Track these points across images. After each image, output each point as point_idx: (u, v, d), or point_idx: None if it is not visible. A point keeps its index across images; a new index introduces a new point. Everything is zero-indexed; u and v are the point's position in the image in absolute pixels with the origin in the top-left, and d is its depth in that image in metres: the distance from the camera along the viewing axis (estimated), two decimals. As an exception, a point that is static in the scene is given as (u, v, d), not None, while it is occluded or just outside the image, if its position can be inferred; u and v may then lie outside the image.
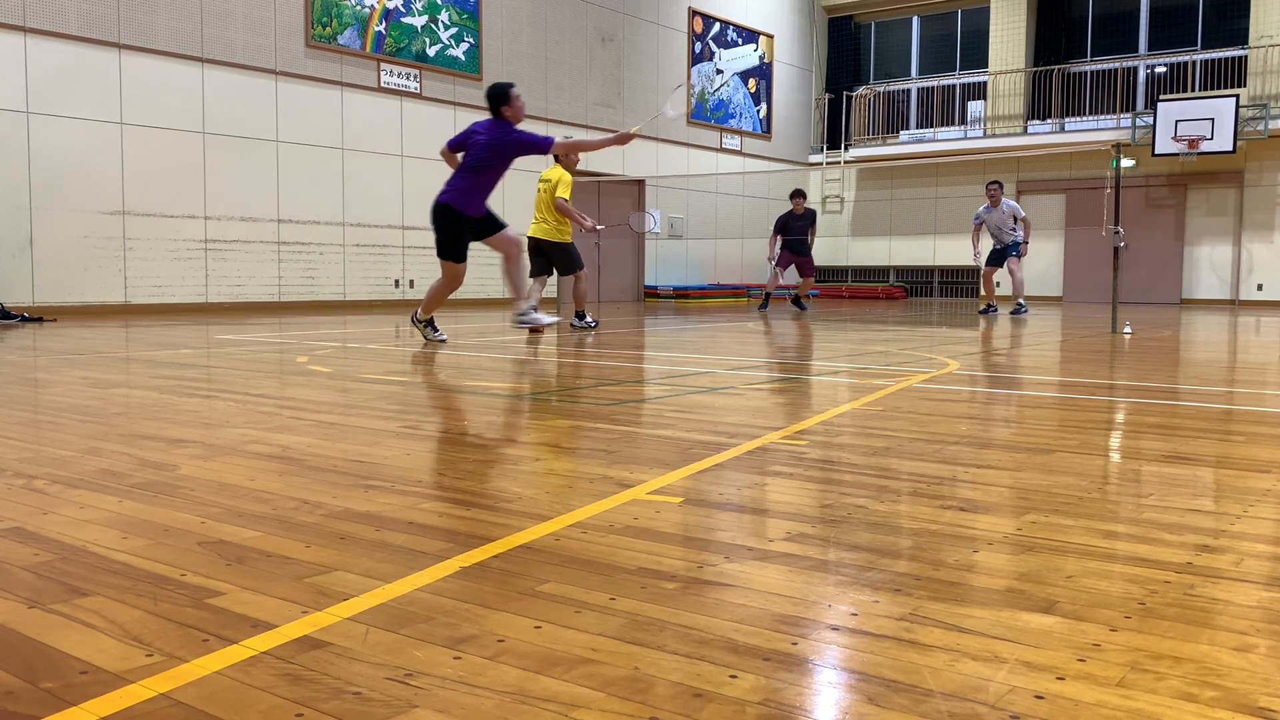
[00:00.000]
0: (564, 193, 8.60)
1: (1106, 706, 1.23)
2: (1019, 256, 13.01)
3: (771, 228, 13.96)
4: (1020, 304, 13.25)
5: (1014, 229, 12.89)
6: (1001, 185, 13.08)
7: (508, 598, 1.63)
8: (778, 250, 13.72)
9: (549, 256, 8.97)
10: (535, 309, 7.68)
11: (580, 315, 8.98)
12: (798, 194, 13.65)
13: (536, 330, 7.78)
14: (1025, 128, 20.17)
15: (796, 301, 14.28)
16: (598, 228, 9.33)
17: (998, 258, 13.07)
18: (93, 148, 11.33)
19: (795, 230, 13.64)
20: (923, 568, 1.81)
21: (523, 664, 1.36)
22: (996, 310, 13.32)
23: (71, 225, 11.20)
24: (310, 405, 4.01)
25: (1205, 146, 16.70)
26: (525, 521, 2.13)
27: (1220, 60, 18.56)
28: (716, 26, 19.72)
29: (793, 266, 13.88)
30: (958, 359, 6.38)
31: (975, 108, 20.86)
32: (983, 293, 14.05)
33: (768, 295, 14.53)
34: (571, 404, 4.25)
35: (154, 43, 11.76)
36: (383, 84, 14.06)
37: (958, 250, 20.86)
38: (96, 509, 2.23)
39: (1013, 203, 13.13)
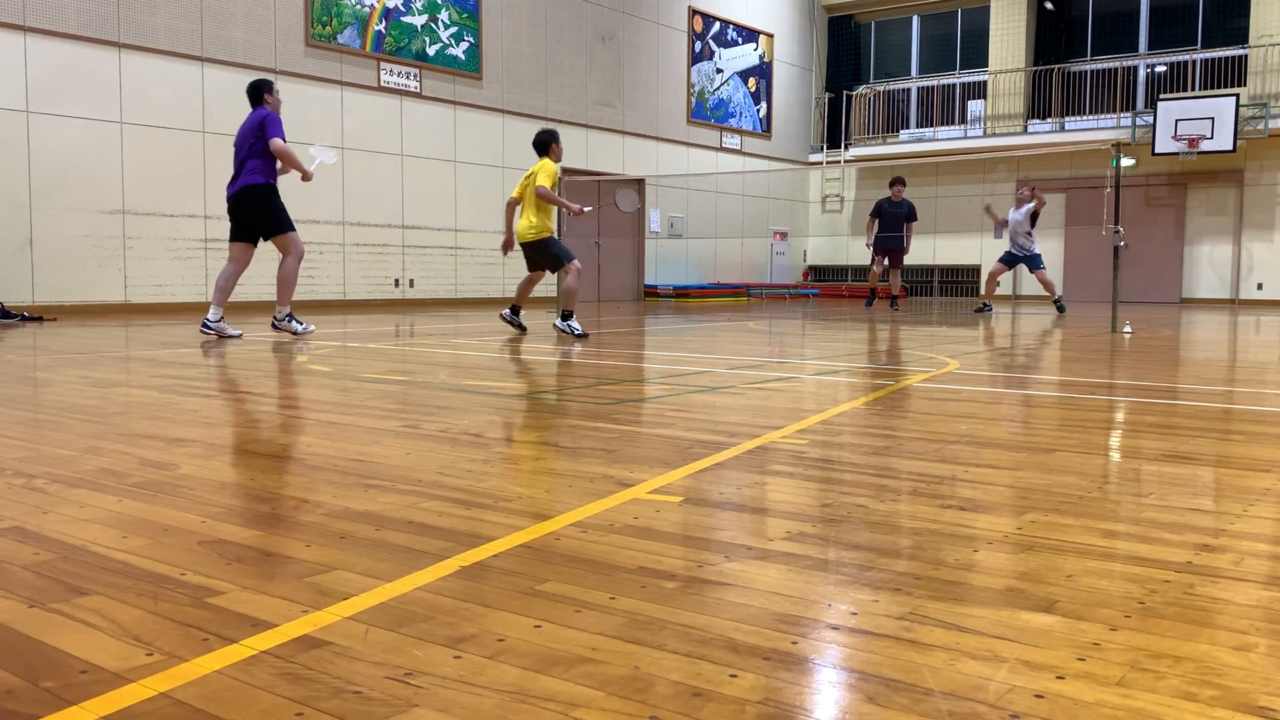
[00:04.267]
0: (544, 180, 7.97)
1: (1106, 706, 1.23)
2: (1044, 267, 13.21)
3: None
4: (1059, 301, 13.38)
5: (1030, 233, 12.97)
6: (1033, 189, 13.15)
7: (507, 597, 1.63)
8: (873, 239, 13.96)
9: (532, 257, 8.33)
10: (222, 319, 7.74)
11: (565, 315, 8.03)
12: (897, 181, 13.95)
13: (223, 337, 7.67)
14: (1025, 127, 20.17)
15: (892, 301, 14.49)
16: (585, 210, 8.58)
17: (1010, 259, 13.25)
18: (92, 147, 11.33)
19: (891, 221, 13.83)
20: (923, 567, 1.81)
21: (523, 663, 1.36)
22: (992, 309, 13.54)
23: (71, 224, 11.20)
24: (310, 404, 4.02)
25: (1205, 146, 16.70)
26: (525, 521, 2.13)
27: (1220, 59, 18.56)
28: (716, 26, 19.71)
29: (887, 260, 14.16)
30: (958, 358, 6.38)
31: (975, 107, 20.86)
32: (983, 291, 14.30)
33: (873, 291, 14.70)
34: (571, 403, 4.25)
35: (154, 42, 11.76)
36: (383, 83, 14.05)
37: (958, 249, 20.87)
38: (96, 508, 2.23)
39: (1028, 205, 13.09)
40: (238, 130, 7.76)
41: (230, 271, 7.80)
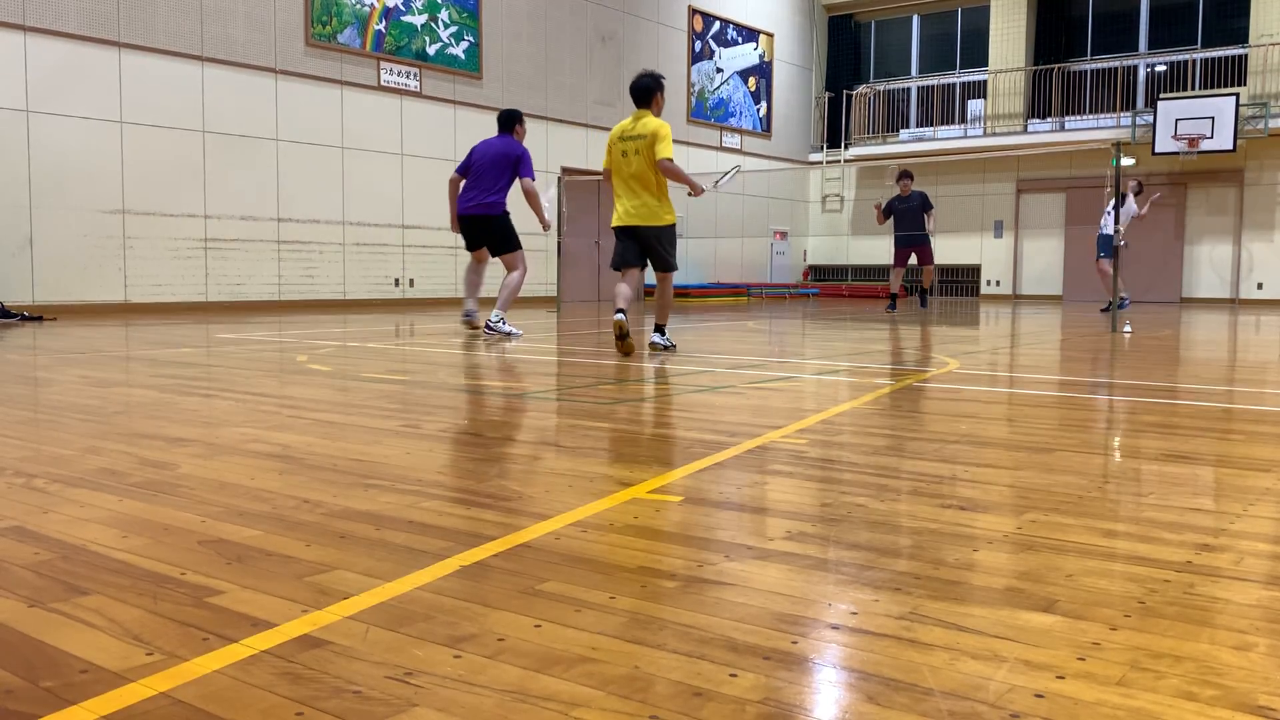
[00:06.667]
0: (667, 150, 6.08)
1: (1106, 705, 1.23)
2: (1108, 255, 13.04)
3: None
4: (1121, 299, 12.80)
5: (1119, 228, 12.81)
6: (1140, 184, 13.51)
7: (508, 596, 1.63)
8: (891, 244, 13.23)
9: (643, 247, 6.39)
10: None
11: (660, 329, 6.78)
12: (904, 175, 12.94)
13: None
14: (1025, 126, 20.16)
15: (921, 296, 13.84)
16: (703, 189, 6.60)
17: (1106, 245, 12.83)
18: (93, 146, 11.33)
19: (905, 216, 12.86)
20: (923, 566, 1.81)
21: (523, 663, 1.36)
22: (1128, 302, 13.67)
23: (71, 224, 11.20)
24: (310, 404, 4.01)
25: (1205, 145, 16.69)
26: (525, 520, 2.13)
27: (1220, 59, 18.55)
28: (716, 25, 19.71)
29: (912, 258, 13.17)
30: (958, 358, 6.38)
31: (975, 106, 20.85)
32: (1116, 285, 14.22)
33: (894, 295, 13.48)
34: (571, 403, 4.25)
35: (154, 41, 11.76)
36: (383, 83, 14.05)
37: (958, 249, 20.86)
38: (96, 508, 2.23)
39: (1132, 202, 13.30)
40: (481, 148, 8.07)
41: (480, 269, 8.43)
